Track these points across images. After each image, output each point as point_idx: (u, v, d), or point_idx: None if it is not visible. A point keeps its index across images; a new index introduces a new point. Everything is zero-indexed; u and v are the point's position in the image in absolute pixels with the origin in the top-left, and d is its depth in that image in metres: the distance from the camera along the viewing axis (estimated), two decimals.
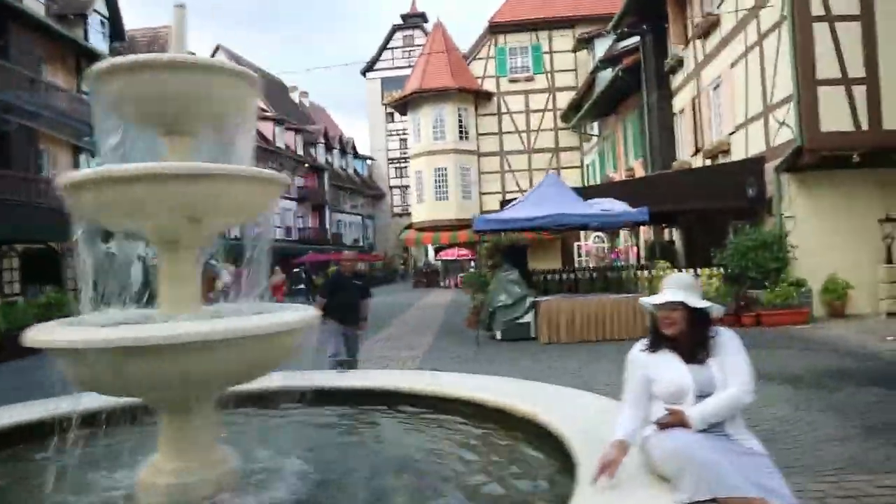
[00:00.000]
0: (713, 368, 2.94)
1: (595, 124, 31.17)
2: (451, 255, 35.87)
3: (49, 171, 22.91)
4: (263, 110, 45.09)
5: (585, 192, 14.10)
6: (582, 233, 26.38)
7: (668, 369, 3.00)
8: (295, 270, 27.81)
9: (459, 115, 34.47)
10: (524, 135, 35.28)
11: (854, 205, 13.21)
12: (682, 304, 2.97)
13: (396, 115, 49.27)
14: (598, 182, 28.88)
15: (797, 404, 6.46)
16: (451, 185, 34.62)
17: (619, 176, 26.36)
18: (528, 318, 12.05)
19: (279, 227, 44.02)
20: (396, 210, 60.73)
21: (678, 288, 3.04)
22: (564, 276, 14.94)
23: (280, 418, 4.76)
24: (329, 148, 54.62)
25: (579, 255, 29.48)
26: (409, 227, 39.45)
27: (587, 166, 34.06)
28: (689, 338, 2.99)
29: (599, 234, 26.42)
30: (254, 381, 3.80)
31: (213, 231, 3.90)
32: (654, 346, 3.09)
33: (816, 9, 12.53)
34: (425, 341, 13.00)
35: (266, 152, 41.87)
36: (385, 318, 17.95)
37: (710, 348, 2.98)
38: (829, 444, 5.17)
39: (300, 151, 47.96)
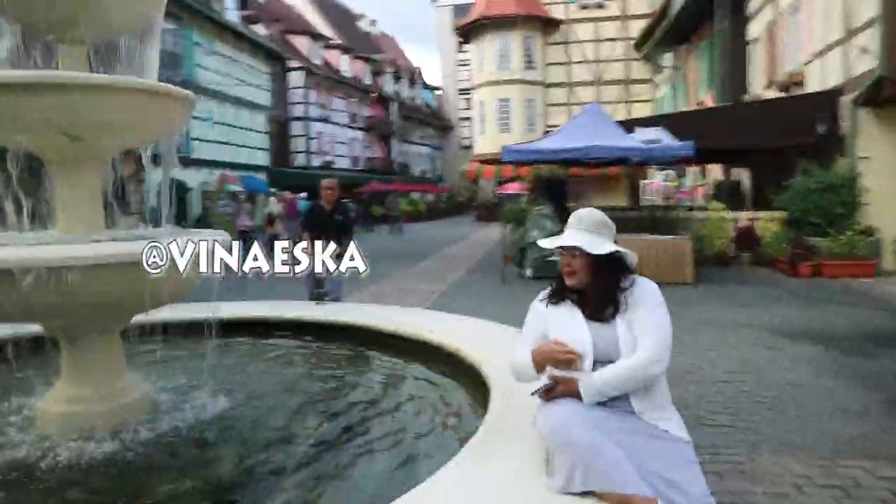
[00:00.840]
0: (620, 329, 2.36)
1: (668, 55, 29.16)
2: (511, 189, 34.95)
3: None
4: (329, 38, 44.57)
5: (638, 124, 13.01)
6: (649, 170, 25.04)
7: (566, 327, 2.44)
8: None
9: (525, 44, 32.92)
10: (593, 66, 33.48)
11: None
12: (580, 249, 2.39)
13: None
14: None
15: (821, 369, 5.71)
16: (514, 116, 33.47)
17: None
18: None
19: (345, 156, 44.03)
20: (466, 142, 59.63)
21: (581, 228, 2.45)
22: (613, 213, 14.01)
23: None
24: (397, 78, 53.78)
25: (646, 194, 28.12)
26: (474, 160, 38.63)
27: (658, 100, 32.14)
28: (593, 290, 2.43)
29: (668, 171, 25.08)
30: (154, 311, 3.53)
31: (109, 149, 3.53)
32: (556, 297, 2.54)
33: None
34: (455, 276, 12.59)
35: (332, 81, 41.58)
36: (428, 251, 17.61)
37: (621, 304, 2.39)
38: (839, 419, 4.47)
39: (368, 81, 47.38)
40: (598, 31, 33.17)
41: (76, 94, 3.06)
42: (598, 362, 2.35)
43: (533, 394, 2.42)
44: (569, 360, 2.33)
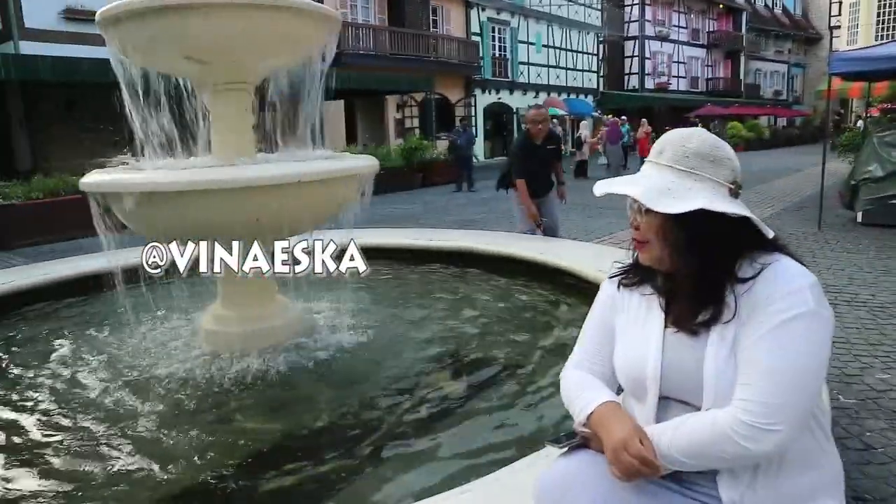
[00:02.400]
0: (711, 349, 1.30)
1: None
2: (877, 112, 28.81)
3: (442, 28, 24.74)
4: None
5: None
6: None
7: (631, 334, 1.46)
8: (666, 128, 25.69)
9: None
10: None
11: None
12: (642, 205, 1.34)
13: None
14: None
15: None
16: None
17: None
18: None
19: (682, 77, 40.93)
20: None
21: (659, 163, 1.35)
22: None
23: None
24: None
25: None
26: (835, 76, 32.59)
27: None
28: (680, 279, 1.37)
29: None
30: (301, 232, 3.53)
31: (251, 73, 3.44)
32: (631, 276, 1.51)
33: None
34: (762, 214, 10.75)
35: None
36: (749, 183, 15.42)
37: (726, 307, 1.29)
38: None
39: None
40: None
41: (192, 17, 2.96)
42: (670, 399, 1.38)
43: (549, 443, 1.52)
44: (648, 475, 1.30)
